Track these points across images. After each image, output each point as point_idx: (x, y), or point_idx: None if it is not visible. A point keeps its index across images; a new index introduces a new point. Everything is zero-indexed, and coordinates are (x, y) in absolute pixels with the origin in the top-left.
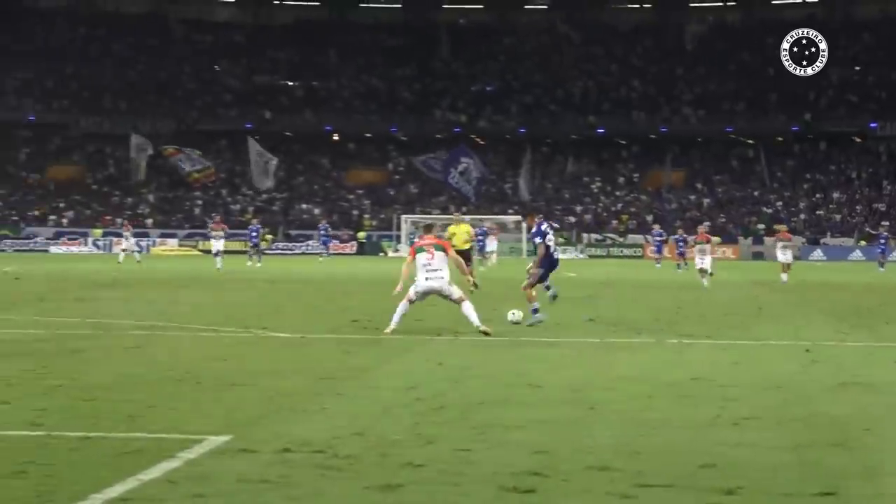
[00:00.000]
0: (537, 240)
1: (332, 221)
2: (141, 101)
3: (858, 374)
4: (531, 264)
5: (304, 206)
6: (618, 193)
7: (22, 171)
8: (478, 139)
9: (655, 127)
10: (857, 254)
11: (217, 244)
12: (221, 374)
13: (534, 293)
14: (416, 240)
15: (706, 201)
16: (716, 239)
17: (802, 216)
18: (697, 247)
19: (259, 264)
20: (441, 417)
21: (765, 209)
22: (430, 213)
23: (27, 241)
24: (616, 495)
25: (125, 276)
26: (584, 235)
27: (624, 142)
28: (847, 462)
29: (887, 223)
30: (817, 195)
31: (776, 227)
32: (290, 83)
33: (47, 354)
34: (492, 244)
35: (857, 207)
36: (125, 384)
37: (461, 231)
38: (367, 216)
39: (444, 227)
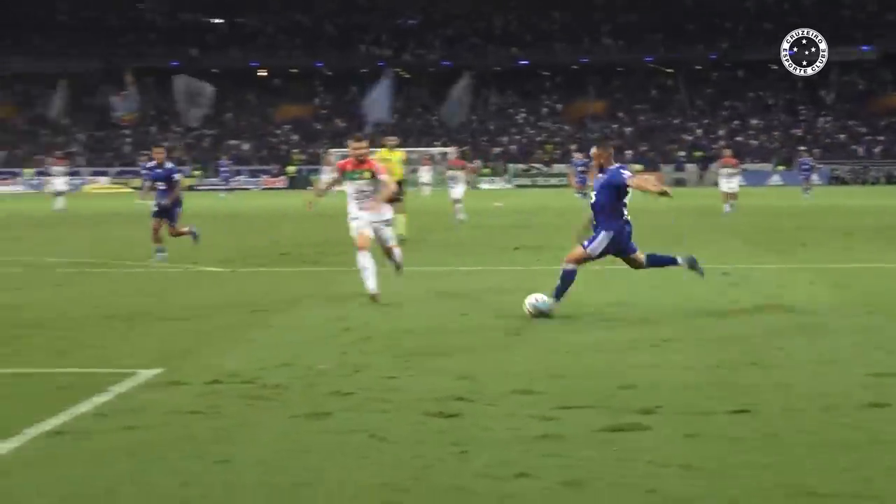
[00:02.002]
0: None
1: (262, 156)
2: (68, 41)
3: (773, 295)
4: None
5: (233, 141)
6: (542, 124)
7: None
8: (402, 73)
9: (576, 57)
10: (776, 178)
11: (58, 182)
12: (152, 308)
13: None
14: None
15: (628, 130)
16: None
17: (722, 143)
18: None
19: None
20: (369, 347)
21: (685, 136)
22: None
23: None
24: (538, 417)
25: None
26: (510, 166)
27: (547, 73)
28: (760, 380)
29: (803, 148)
30: (736, 122)
31: (724, 151)
32: (215, 20)
33: None
34: (426, 176)
35: (775, 133)
36: (56, 321)
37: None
38: (295, 151)
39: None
